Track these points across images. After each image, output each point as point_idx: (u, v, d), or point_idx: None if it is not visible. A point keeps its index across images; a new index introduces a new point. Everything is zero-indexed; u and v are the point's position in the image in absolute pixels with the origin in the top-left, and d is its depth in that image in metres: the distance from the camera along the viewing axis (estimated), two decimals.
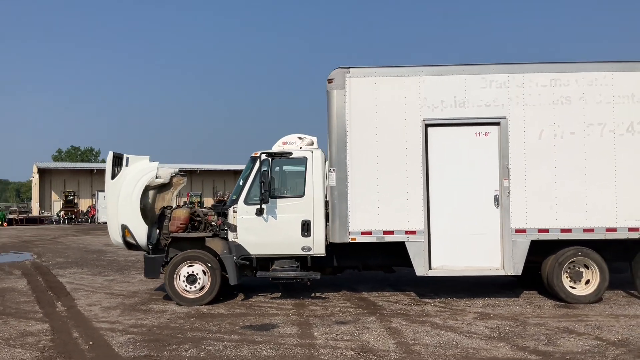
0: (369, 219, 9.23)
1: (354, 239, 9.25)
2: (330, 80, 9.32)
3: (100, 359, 6.57)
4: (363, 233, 9.25)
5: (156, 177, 10.90)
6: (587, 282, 9.35)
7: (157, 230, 9.94)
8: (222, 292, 9.91)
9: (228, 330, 7.73)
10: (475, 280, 11.02)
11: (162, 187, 11.13)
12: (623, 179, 9.11)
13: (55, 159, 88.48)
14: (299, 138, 10.25)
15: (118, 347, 7.00)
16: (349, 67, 9.32)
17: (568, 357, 6.31)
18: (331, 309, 9.05)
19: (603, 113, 9.17)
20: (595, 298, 9.22)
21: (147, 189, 10.89)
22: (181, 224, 9.75)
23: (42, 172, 51.12)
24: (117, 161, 9.80)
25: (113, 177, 9.71)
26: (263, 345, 6.91)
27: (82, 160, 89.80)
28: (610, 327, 7.60)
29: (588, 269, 9.35)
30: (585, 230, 9.13)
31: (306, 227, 9.38)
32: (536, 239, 9.15)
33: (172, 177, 11.20)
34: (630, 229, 9.12)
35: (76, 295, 10.65)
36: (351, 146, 9.25)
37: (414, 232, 9.19)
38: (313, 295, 10.17)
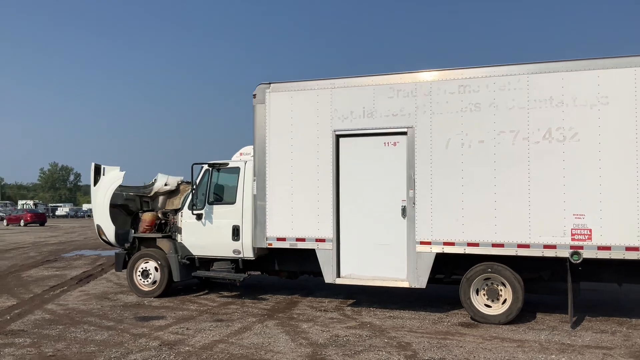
0: (284, 226, 9.70)
1: (271, 244, 9.79)
2: (254, 96, 10.00)
3: None
4: (278, 239, 9.75)
5: (165, 184, 12.57)
6: (505, 301, 8.70)
7: (132, 231, 11.52)
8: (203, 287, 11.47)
9: (120, 318, 8.92)
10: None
11: (171, 193, 12.77)
12: (537, 190, 8.35)
13: None
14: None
15: (20, 322, 8.64)
16: (269, 83, 9.92)
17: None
18: (245, 308, 9.73)
19: (516, 119, 8.50)
20: (506, 319, 8.53)
21: (157, 195, 12.64)
22: (147, 226, 11.19)
23: None
24: (97, 170, 11.55)
25: (95, 184, 11.49)
26: (109, 332, 8.01)
27: None
28: (452, 347, 7.20)
29: (506, 287, 8.69)
30: (494, 245, 8.55)
31: (236, 232, 10.18)
32: (441, 252, 8.80)
33: (179, 184, 12.79)
34: (546, 246, 8.31)
35: (90, 283, 12.72)
36: (270, 157, 9.83)
37: (323, 240, 9.45)
38: (260, 296, 10.86)
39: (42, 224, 48.41)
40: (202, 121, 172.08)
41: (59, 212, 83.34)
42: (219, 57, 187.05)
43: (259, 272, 11.29)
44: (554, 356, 6.85)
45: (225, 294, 11.18)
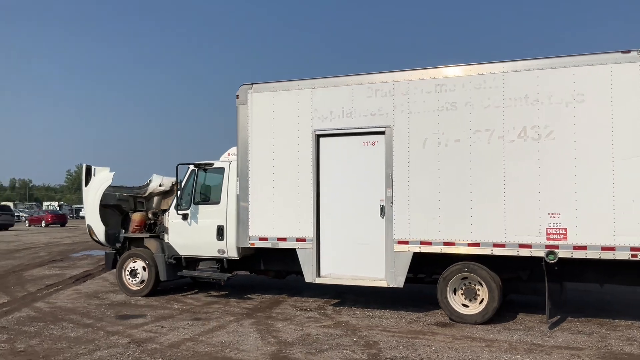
0: (266, 226, 9.77)
1: (253, 244, 9.87)
2: (237, 97, 10.09)
3: None
4: (260, 239, 9.82)
5: (160, 185, 12.71)
6: (482, 301, 8.65)
7: (123, 230, 11.70)
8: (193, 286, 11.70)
9: (100, 317, 9.08)
10: None
11: (166, 194, 12.91)
12: (512, 189, 8.28)
13: None
14: None
15: (4, 319, 8.89)
16: (252, 84, 10.00)
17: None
18: (227, 307, 9.82)
19: (491, 118, 8.45)
20: (482, 319, 8.47)
21: (151, 196, 12.79)
22: (136, 226, 11.35)
23: None
24: (89, 171, 11.75)
25: (86, 184, 11.69)
26: (85, 329, 8.18)
27: None
28: (418, 346, 7.18)
29: (483, 286, 8.64)
30: (470, 244, 8.50)
31: (220, 232, 10.28)
32: (419, 251, 8.78)
33: (173, 185, 12.91)
34: (521, 246, 8.24)
35: (86, 282, 12.98)
36: (252, 157, 9.90)
37: (303, 240, 9.49)
38: (247, 296, 10.94)
39: (62, 224, 49.36)
40: (197, 122, 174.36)
41: (82, 213, 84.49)
42: (213, 57, 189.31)
43: (248, 272, 11.37)
44: (519, 356, 6.80)
45: (213, 293, 11.28)
